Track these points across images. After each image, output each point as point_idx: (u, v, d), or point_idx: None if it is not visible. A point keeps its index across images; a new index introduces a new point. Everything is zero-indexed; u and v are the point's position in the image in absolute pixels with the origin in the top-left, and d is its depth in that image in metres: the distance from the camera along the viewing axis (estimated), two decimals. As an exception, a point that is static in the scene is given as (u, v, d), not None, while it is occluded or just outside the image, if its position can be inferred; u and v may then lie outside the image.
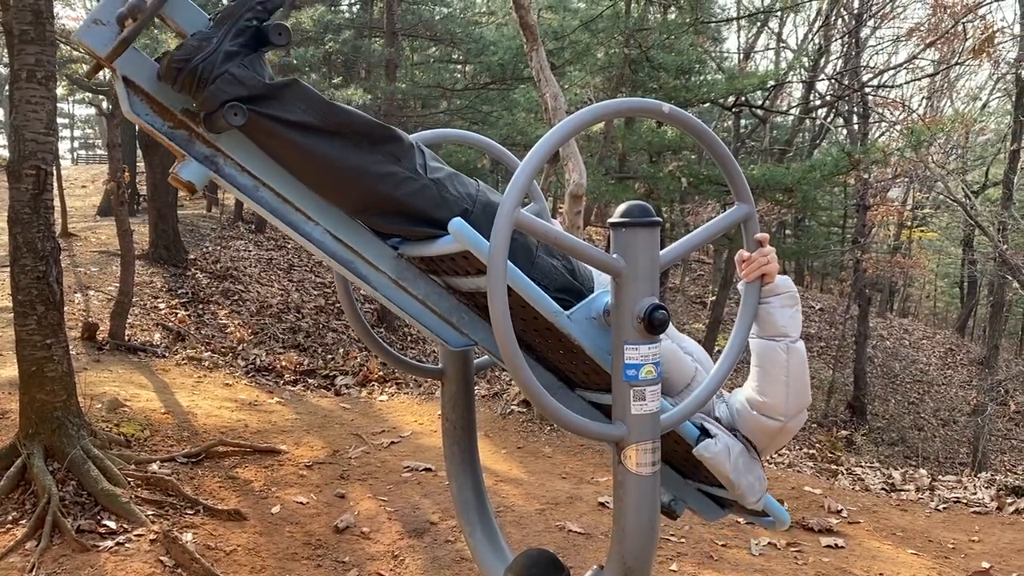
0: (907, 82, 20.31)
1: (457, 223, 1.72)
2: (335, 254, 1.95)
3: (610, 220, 1.81)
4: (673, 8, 16.26)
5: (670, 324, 2.22)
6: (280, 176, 1.84)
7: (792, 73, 18.39)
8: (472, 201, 1.88)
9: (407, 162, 1.83)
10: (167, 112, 1.73)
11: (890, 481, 7.22)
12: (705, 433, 2.10)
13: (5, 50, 5.56)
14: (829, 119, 22.66)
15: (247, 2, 1.66)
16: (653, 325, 1.75)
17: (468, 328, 2.13)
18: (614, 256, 1.77)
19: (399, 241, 1.99)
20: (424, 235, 1.88)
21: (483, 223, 1.81)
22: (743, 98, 17.37)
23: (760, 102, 19.44)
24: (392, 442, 6.92)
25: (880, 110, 20.13)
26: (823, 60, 20.34)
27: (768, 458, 7.76)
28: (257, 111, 1.67)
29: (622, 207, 1.80)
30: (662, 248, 1.82)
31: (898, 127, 18.45)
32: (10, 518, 4.73)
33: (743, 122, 22.44)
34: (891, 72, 20.00)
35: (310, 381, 9.66)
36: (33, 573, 4.23)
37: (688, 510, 2.46)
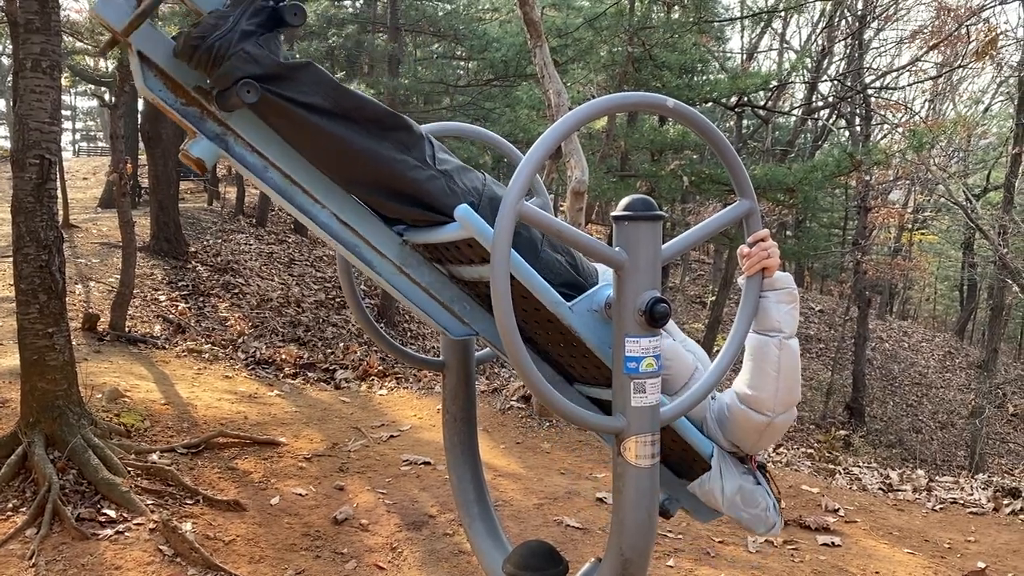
0: (910, 84, 20.29)
1: (464, 209, 1.74)
2: (340, 237, 1.97)
3: (613, 213, 1.82)
4: (677, 7, 16.25)
5: (671, 322, 2.25)
6: (289, 157, 1.86)
7: (795, 74, 18.38)
8: (478, 195, 1.91)
9: (416, 152, 1.85)
10: (180, 89, 1.75)
11: (887, 481, 7.24)
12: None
13: (9, 40, 5.57)
14: (831, 120, 22.68)
15: None
16: (654, 318, 1.76)
17: (470, 318, 2.15)
18: (616, 249, 1.78)
19: (404, 228, 2.01)
20: (430, 221, 1.90)
21: (489, 217, 1.83)
22: (746, 98, 17.37)
23: (763, 102, 19.43)
24: (391, 436, 6.94)
25: (882, 112, 20.15)
26: (826, 61, 20.37)
27: (767, 457, 7.79)
28: (270, 90, 1.69)
29: (625, 200, 1.81)
30: (664, 243, 1.84)
31: (900, 129, 18.47)
32: (10, 506, 4.74)
33: (745, 122, 22.45)
34: (894, 74, 19.99)
35: (310, 375, 9.67)
36: (32, 560, 4.24)
37: (682, 510, 2.44)
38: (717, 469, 2.11)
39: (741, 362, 2.15)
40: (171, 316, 10.72)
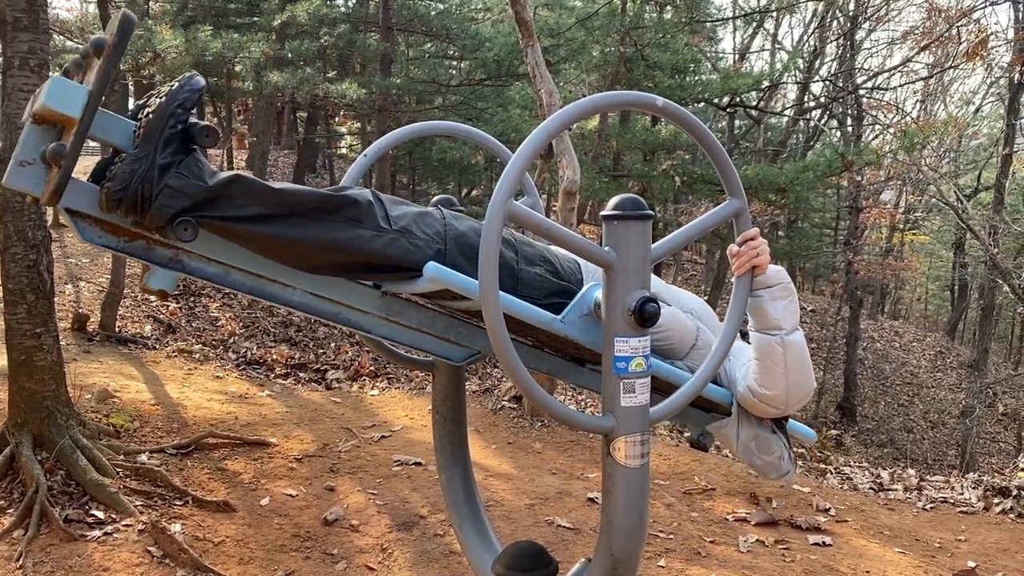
0: (901, 85, 20.36)
1: (432, 268, 1.74)
2: (320, 311, 1.95)
3: (603, 213, 1.82)
4: (669, 7, 16.27)
5: (665, 284, 2.27)
6: (248, 256, 1.82)
7: (787, 74, 18.45)
8: (443, 239, 1.87)
9: (369, 221, 1.81)
10: (119, 229, 1.71)
11: (878, 481, 7.26)
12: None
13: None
14: (823, 121, 22.76)
15: (165, 110, 1.63)
16: (644, 318, 1.75)
17: (468, 340, 2.14)
18: (606, 249, 1.78)
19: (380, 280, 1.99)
20: (403, 278, 1.88)
21: (458, 257, 1.84)
22: (738, 98, 17.41)
23: (755, 103, 19.50)
24: (382, 436, 6.92)
25: (874, 112, 20.21)
26: (818, 62, 20.43)
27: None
28: (207, 216, 1.65)
29: (614, 200, 1.81)
30: (654, 242, 1.83)
31: (891, 130, 18.53)
32: (-3, 507, 4.71)
33: (737, 123, 22.53)
34: (885, 75, 20.08)
35: (301, 375, 9.64)
36: (20, 562, 4.21)
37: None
38: (736, 417, 2.20)
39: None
40: (161, 316, 10.67)
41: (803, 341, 2.05)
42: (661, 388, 2.07)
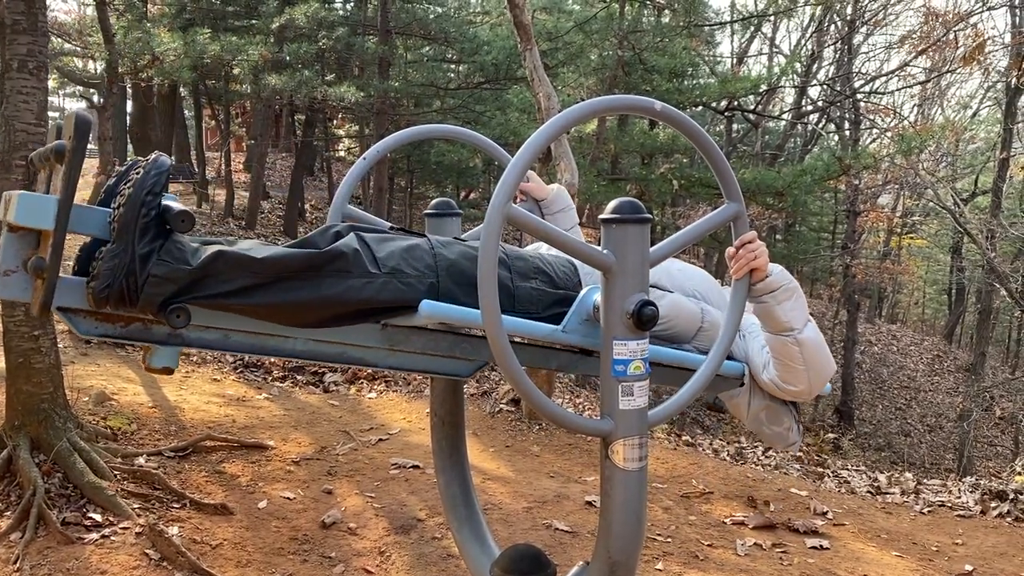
0: (899, 89, 20.45)
1: (427, 307, 1.76)
2: (322, 353, 1.95)
3: (601, 216, 1.82)
4: (667, 11, 16.30)
5: (664, 269, 2.26)
6: (245, 318, 1.81)
7: (785, 78, 18.47)
8: (434, 272, 1.86)
9: (357, 269, 1.79)
10: (113, 316, 1.71)
11: (876, 484, 7.26)
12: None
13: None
14: (821, 124, 22.80)
15: (136, 200, 1.61)
16: (642, 321, 1.76)
17: (474, 354, 2.13)
18: (604, 252, 1.78)
19: None
20: (401, 314, 1.87)
21: (452, 286, 1.85)
22: (736, 102, 17.46)
23: (752, 106, 19.52)
24: (380, 439, 6.91)
25: (871, 116, 20.25)
26: (815, 66, 20.49)
27: (756, 457, 7.80)
28: (196, 297, 1.64)
29: (613, 203, 1.81)
30: (652, 245, 1.84)
31: (889, 133, 18.56)
32: (-5, 510, 4.70)
33: (735, 126, 22.54)
34: (883, 79, 20.14)
35: (298, 378, 9.62)
36: (17, 565, 4.21)
37: None
38: (748, 387, 2.24)
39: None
40: (159, 319, 10.66)
41: (816, 333, 2.09)
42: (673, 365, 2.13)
